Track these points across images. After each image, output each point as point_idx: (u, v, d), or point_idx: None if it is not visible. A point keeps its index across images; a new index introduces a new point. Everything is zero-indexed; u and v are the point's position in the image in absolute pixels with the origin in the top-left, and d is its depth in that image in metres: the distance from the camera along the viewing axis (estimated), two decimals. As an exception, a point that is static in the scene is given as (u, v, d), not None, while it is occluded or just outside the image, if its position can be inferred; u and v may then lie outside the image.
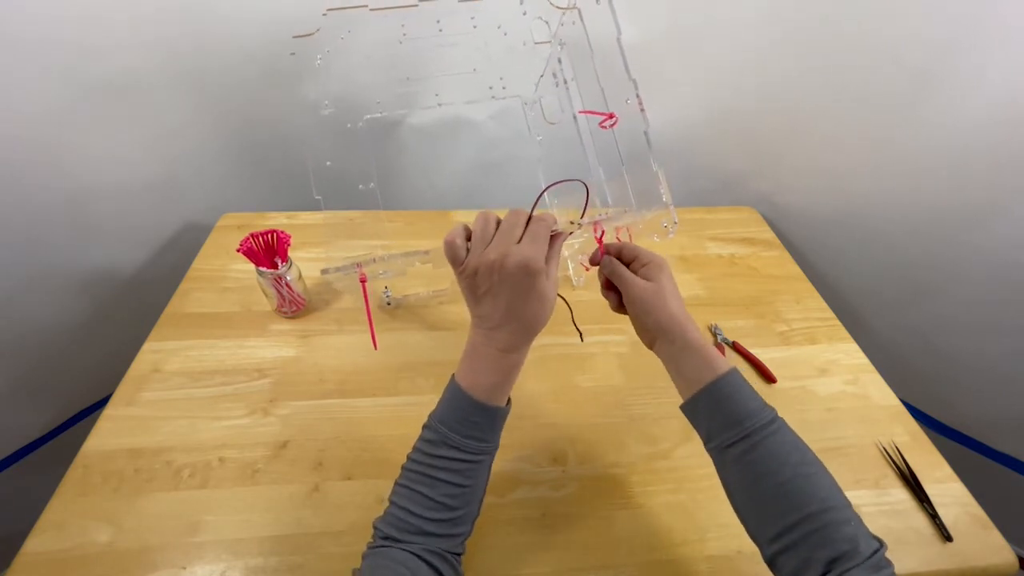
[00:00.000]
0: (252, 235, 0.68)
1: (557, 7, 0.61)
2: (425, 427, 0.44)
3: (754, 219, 1.01)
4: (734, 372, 0.42)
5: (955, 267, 0.80)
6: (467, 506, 0.42)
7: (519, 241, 0.40)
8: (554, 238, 0.42)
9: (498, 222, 0.42)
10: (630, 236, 0.58)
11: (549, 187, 0.49)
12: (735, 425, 0.40)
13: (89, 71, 0.72)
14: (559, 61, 0.66)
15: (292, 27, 0.58)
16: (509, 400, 0.45)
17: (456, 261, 0.42)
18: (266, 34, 0.77)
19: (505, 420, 0.44)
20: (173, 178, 0.88)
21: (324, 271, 0.64)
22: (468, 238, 0.42)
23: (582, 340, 0.53)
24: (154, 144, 0.83)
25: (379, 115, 0.70)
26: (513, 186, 1.02)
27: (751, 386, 0.42)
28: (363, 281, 0.64)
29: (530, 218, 0.42)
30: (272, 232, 0.69)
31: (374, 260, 0.64)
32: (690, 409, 0.44)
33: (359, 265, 0.62)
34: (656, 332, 0.46)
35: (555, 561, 0.53)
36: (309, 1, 0.57)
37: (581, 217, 0.48)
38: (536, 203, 0.43)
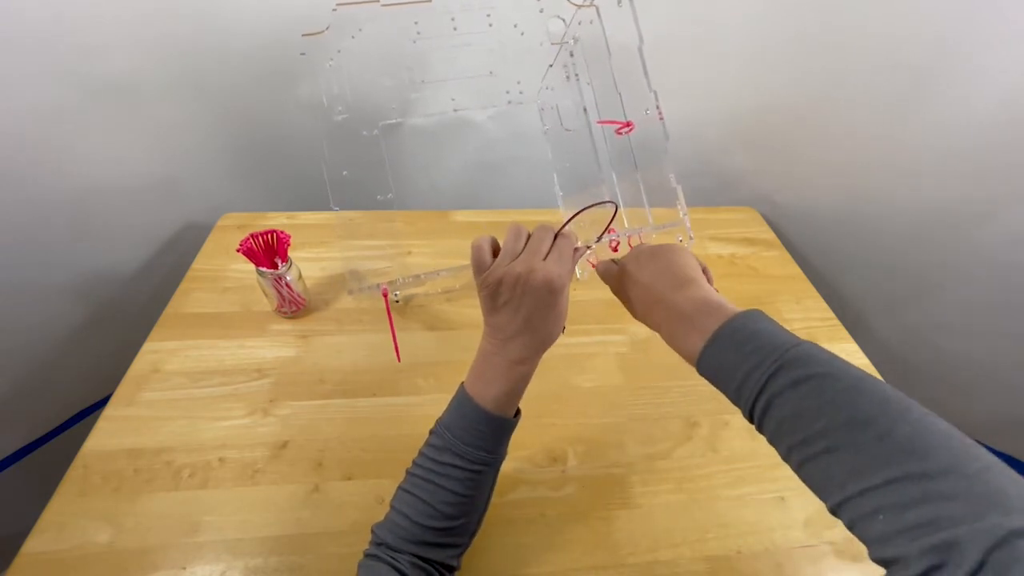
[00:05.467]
0: (252, 235, 0.68)
1: (574, 3, 0.60)
2: (431, 432, 0.44)
3: (754, 219, 1.01)
4: (746, 314, 0.35)
5: (955, 267, 0.81)
6: (466, 516, 0.41)
7: (545, 257, 0.40)
8: (573, 254, 0.43)
9: (528, 237, 0.42)
10: (642, 244, 0.58)
11: (582, 211, 0.47)
12: (768, 354, 0.32)
13: (89, 71, 0.72)
14: (571, 55, 0.65)
15: (293, 27, 0.57)
16: (519, 412, 0.45)
17: (481, 267, 0.42)
18: (267, 34, 0.77)
19: (512, 432, 0.44)
20: (173, 178, 0.88)
21: (350, 291, 0.64)
22: (494, 248, 0.43)
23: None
24: (154, 144, 0.83)
25: (394, 121, 0.68)
26: (514, 186, 1.02)
27: (776, 323, 0.35)
28: (385, 295, 0.65)
29: (557, 235, 0.42)
30: (272, 232, 0.69)
31: (399, 280, 0.64)
32: (705, 367, 0.36)
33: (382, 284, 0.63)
34: (643, 321, 0.43)
35: (555, 561, 0.53)
36: (310, 1, 0.56)
37: (601, 235, 0.49)
38: (568, 222, 0.43)
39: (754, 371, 0.32)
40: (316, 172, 0.62)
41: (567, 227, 0.43)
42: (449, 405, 0.44)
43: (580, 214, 0.45)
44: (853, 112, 0.84)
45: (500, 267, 0.40)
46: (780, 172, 0.99)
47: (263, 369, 0.67)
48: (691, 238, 0.57)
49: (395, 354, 0.68)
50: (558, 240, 0.42)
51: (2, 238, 0.72)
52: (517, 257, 0.41)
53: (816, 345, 0.32)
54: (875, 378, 0.30)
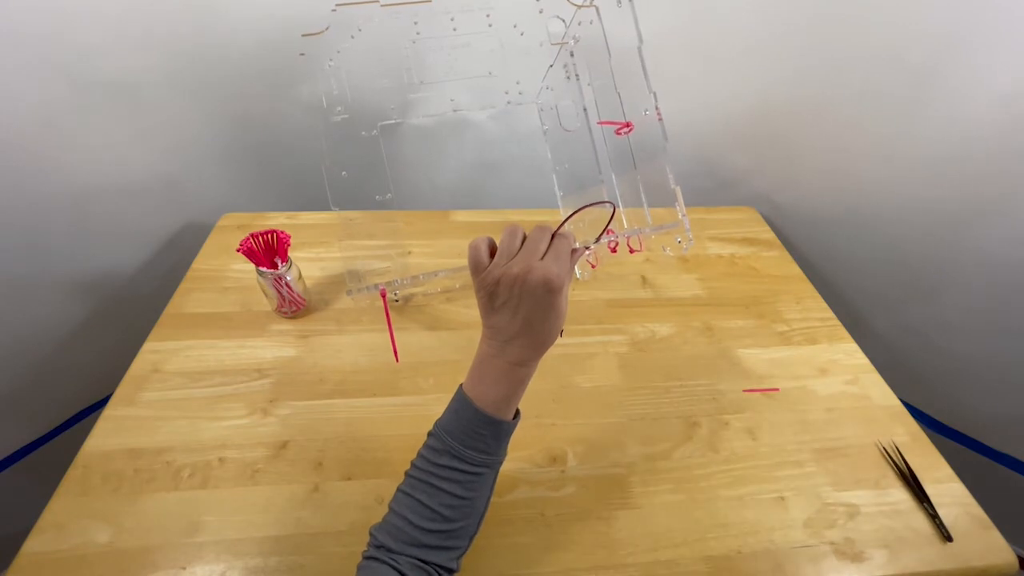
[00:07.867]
0: (252, 235, 0.68)
1: (574, 3, 0.60)
2: (430, 434, 0.44)
3: (754, 219, 1.01)
4: None
5: (956, 267, 0.80)
6: (465, 519, 0.41)
7: (543, 257, 0.40)
8: (572, 255, 0.42)
9: (524, 237, 0.42)
10: (641, 245, 0.58)
11: (578, 211, 0.48)
12: None
13: (90, 70, 0.72)
14: (571, 55, 0.65)
15: (294, 26, 0.57)
16: (518, 413, 0.45)
17: (478, 267, 0.42)
18: (268, 33, 0.77)
19: (511, 434, 0.44)
20: (173, 178, 0.88)
21: (348, 292, 0.64)
22: (491, 249, 0.42)
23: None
24: (154, 144, 0.83)
25: (394, 121, 0.68)
26: (514, 186, 1.02)
27: None
28: (384, 296, 0.65)
29: (554, 235, 0.42)
30: (272, 232, 0.69)
31: (398, 281, 0.64)
32: None
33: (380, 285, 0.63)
34: None
35: (555, 561, 0.53)
36: (310, 1, 0.57)
37: (600, 235, 0.48)
38: (564, 222, 0.43)
39: None
40: (316, 172, 0.62)
41: (564, 227, 0.43)
42: (448, 407, 0.44)
43: (577, 214, 0.45)
44: (853, 112, 0.84)
45: (497, 267, 0.40)
46: (780, 172, 0.99)
47: (263, 369, 0.68)
48: (690, 239, 0.56)
49: (394, 355, 0.68)
50: (555, 240, 0.41)
51: (1, 237, 0.72)
52: (514, 257, 0.40)
53: None
54: None
